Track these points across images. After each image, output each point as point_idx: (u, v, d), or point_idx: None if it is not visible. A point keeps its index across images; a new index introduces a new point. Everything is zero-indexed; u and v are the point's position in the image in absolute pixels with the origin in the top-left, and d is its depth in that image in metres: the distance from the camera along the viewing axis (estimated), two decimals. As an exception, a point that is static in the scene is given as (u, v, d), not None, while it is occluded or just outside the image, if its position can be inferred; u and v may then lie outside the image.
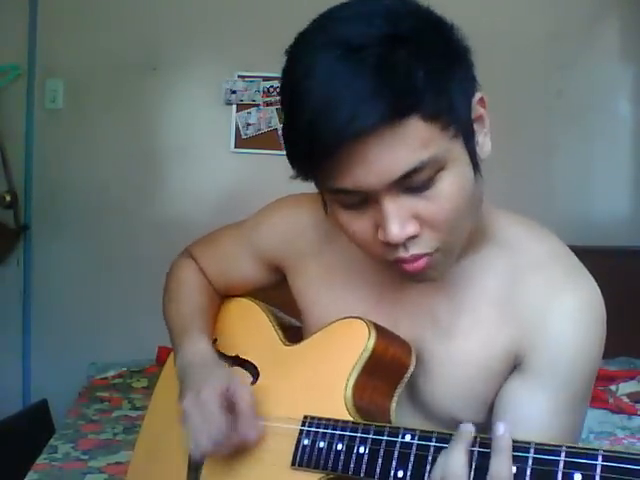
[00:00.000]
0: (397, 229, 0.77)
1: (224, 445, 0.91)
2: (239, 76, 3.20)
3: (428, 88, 0.73)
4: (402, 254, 0.80)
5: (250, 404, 0.92)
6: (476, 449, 0.73)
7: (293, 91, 0.77)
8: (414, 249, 0.80)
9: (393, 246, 0.79)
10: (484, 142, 0.84)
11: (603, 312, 0.88)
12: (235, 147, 3.23)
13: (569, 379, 0.86)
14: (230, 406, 0.92)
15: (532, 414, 0.85)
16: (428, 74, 0.73)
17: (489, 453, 0.72)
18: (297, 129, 0.76)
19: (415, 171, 0.75)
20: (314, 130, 0.73)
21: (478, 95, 0.82)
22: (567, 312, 0.86)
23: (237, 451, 0.94)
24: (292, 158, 0.81)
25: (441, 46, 0.77)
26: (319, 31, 0.78)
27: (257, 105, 3.20)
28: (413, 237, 0.79)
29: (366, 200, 0.78)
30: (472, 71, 0.81)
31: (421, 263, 0.81)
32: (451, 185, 0.77)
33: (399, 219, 0.77)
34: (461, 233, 0.83)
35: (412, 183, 0.76)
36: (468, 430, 0.74)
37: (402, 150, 0.74)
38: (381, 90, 0.71)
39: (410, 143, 0.74)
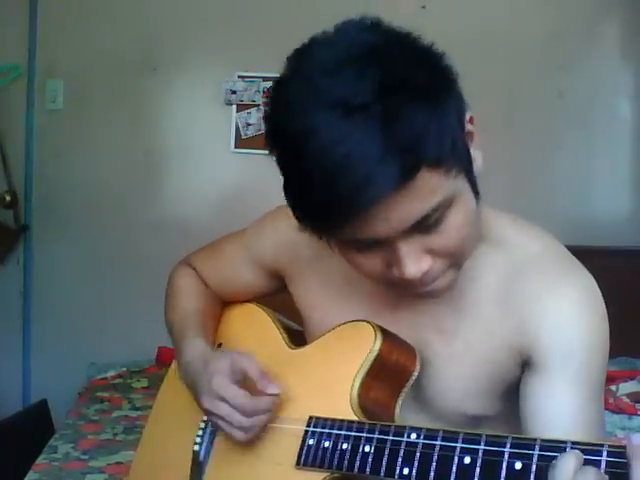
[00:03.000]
0: (414, 268, 0.80)
1: (259, 414, 0.92)
2: (239, 76, 3.20)
3: (431, 132, 0.74)
4: (417, 284, 0.83)
5: (257, 367, 0.93)
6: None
7: (298, 150, 0.75)
8: (428, 278, 0.82)
9: (409, 280, 0.81)
10: (476, 157, 0.85)
11: (602, 302, 0.90)
12: (235, 147, 3.23)
13: (584, 369, 0.87)
14: (243, 379, 0.93)
15: (558, 409, 0.85)
16: (429, 115, 0.74)
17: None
18: (308, 192, 0.76)
19: (426, 217, 0.78)
20: (328, 195, 0.73)
21: (468, 115, 0.84)
22: (568, 304, 0.88)
23: (242, 451, 0.95)
24: (302, 217, 0.81)
25: (433, 80, 0.76)
26: (308, 86, 0.75)
27: (257, 105, 3.20)
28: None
29: (377, 243, 0.80)
30: (461, 94, 0.81)
31: (434, 285, 0.84)
32: (458, 218, 0.80)
33: (414, 258, 0.80)
34: (468, 251, 0.86)
35: (423, 226, 0.78)
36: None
37: (414, 202, 0.76)
38: (391, 149, 0.72)
39: (421, 194, 0.76)
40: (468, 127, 0.84)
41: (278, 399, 0.93)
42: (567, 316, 0.88)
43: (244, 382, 0.94)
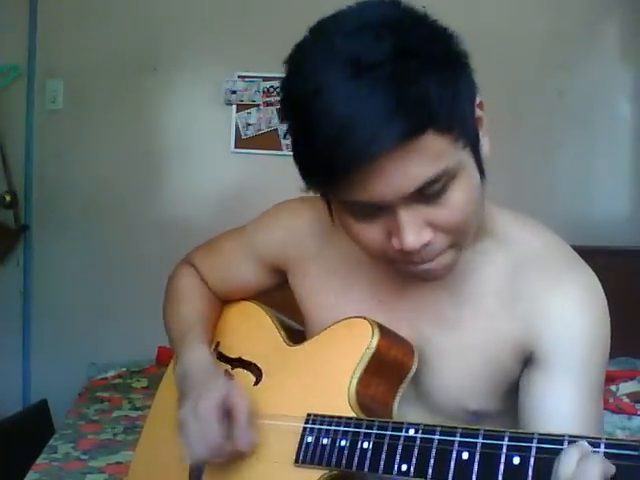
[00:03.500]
0: (413, 238, 0.79)
1: (219, 455, 0.92)
2: (239, 76, 3.20)
3: (441, 100, 0.74)
4: (416, 259, 0.82)
5: (246, 415, 0.93)
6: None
7: (306, 109, 0.76)
8: (427, 253, 0.82)
9: (407, 252, 0.81)
10: (483, 143, 0.86)
11: (604, 298, 0.90)
12: (235, 147, 3.23)
13: (585, 364, 0.87)
14: (228, 414, 0.93)
15: (558, 405, 0.85)
16: (440, 86, 0.74)
17: None
18: (314, 148, 0.76)
19: (430, 183, 0.77)
20: (333, 150, 0.74)
21: (478, 99, 0.84)
22: (570, 299, 0.88)
23: (234, 455, 0.94)
24: (307, 174, 0.81)
25: (447, 55, 0.78)
26: (324, 45, 0.77)
27: (257, 105, 3.20)
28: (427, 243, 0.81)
29: (379, 209, 0.80)
30: (473, 77, 0.82)
31: (433, 264, 0.83)
32: (462, 192, 0.80)
33: (414, 228, 0.79)
34: (470, 232, 0.86)
35: (426, 193, 0.78)
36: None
37: (418, 165, 0.76)
38: (398, 108, 0.72)
39: (425, 157, 0.76)
40: (478, 112, 0.84)
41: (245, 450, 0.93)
42: (569, 313, 0.88)
43: (228, 416, 0.93)
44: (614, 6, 3.30)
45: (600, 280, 0.92)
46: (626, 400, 2.46)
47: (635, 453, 0.65)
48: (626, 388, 2.53)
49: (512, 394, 0.91)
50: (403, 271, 0.87)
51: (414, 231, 0.79)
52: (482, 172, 0.84)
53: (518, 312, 0.90)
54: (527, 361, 0.90)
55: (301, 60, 0.79)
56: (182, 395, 0.98)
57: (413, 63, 0.74)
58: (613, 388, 2.51)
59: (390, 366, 0.91)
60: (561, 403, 0.85)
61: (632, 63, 3.27)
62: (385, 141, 0.72)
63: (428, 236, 0.80)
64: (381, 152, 0.73)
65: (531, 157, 3.22)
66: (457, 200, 0.80)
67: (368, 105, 0.72)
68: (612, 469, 0.64)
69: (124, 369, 2.87)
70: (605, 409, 2.40)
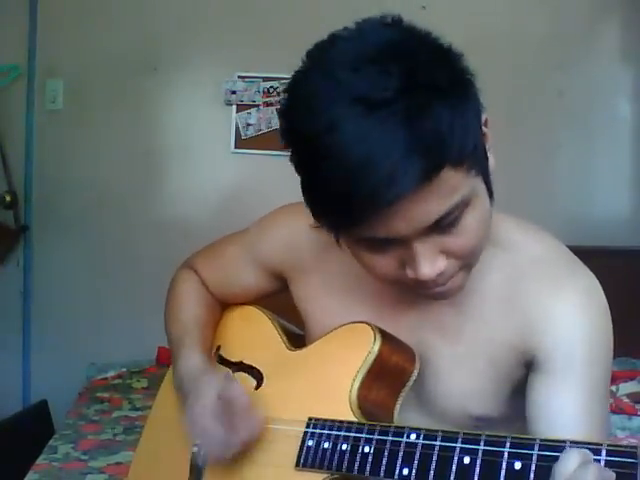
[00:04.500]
0: (429, 268, 0.79)
1: (226, 452, 0.93)
2: (239, 76, 3.20)
3: (454, 133, 0.73)
4: (430, 285, 0.82)
5: (244, 402, 0.93)
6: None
7: (317, 147, 0.74)
8: (442, 278, 0.82)
9: (422, 281, 0.81)
10: (489, 159, 0.85)
11: (605, 303, 0.90)
12: (235, 147, 3.22)
13: (587, 367, 0.87)
14: (227, 408, 0.92)
15: (561, 409, 0.85)
16: (451, 116, 0.73)
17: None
18: (328, 189, 0.75)
19: (445, 216, 0.77)
20: (350, 193, 0.73)
21: (484, 117, 0.83)
22: (570, 304, 0.88)
23: (241, 454, 0.94)
24: (319, 213, 0.81)
25: (454, 79, 0.76)
26: (329, 81, 0.75)
27: (257, 105, 3.20)
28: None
29: (392, 242, 0.79)
30: (479, 96, 0.81)
31: (445, 287, 0.84)
32: (475, 218, 0.80)
33: (429, 259, 0.79)
34: (480, 252, 0.86)
35: (441, 225, 0.78)
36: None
37: (435, 201, 0.75)
38: (414, 146, 0.71)
39: (442, 193, 0.75)
40: (483, 129, 0.84)
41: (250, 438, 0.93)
42: (571, 317, 0.88)
43: (228, 408, 0.93)
44: (614, 6, 3.30)
45: (600, 280, 0.92)
46: (626, 400, 2.46)
47: (633, 461, 0.65)
48: (626, 388, 2.53)
49: (516, 399, 0.91)
50: (415, 295, 0.87)
51: (429, 261, 0.79)
52: (491, 194, 0.84)
53: (518, 317, 0.90)
54: (529, 365, 0.90)
55: (306, 94, 0.77)
56: (182, 403, 0.99)
57: (422, 95, 0.72)
58: (613, 388, 2.51)
59: (392, 371, 0.91)
60: (564, 406, 0.85)
61: (632, 63, 3.27)
62: (405, 183, 0.71)
63: (443, 264, 0.80)
64: (400, 196, 0.72)
65: (531, 157, 3.22)
66: (471, 227, 0.80)
67: (383, 144, 0.71)
68: (612, 476, 0.64)
69: (124, 369, 2.87)
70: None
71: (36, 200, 3.25)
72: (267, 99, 3.18)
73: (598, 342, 0.88)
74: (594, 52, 3.27)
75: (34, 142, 3.23)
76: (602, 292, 0.91)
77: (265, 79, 3.16)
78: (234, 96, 3.20)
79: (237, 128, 3.21)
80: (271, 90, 3.16)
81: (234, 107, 3.21)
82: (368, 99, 0.72)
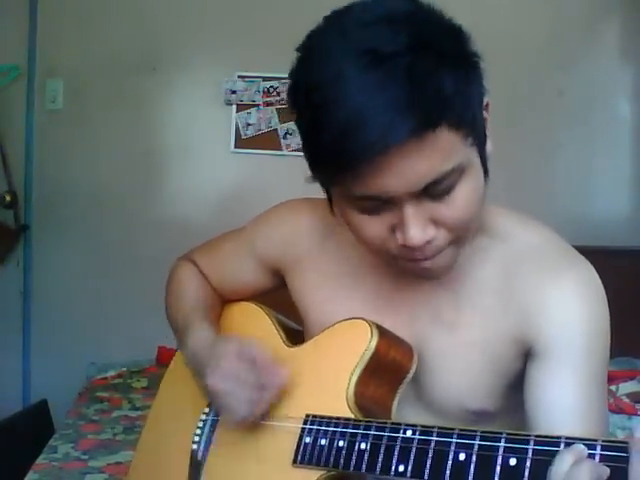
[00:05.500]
0: (418, 233, 0.79)
1: (256, 410, 0.92)
2: (239, 76, 3.20)
3: (455, 96, 0.74)
4: (417, 255, 0.82)
5: (267, 359, 0.93)
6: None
7: (318, 96, 0.76)
8: (429, 249, 0.82)
9: (410, 248, 0.81)
10: (487, 144, 0.86)
11: (602, 291, 0.90)
12: (235, 147, 3.23)
13: (585, 355, 0.87)
14: (250, 367, 0.93)
15: (560, 397, 0.85)
16: (455, 82, 0.74)
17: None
18: (324, 138, 0.76)
19: (439, 180, 0.77)
20: (345, 141, 0.73)
21: (485, 100, 0.84)
22: (567, 291, 0.88)
23: (239, 449, 0.95)
24: (315, 165, 0.81)
25: (461, 53, 0.78)
26: (339, 35, 0.77)
27: (257, 105, 3.20)
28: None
29: (384, 203, 0.79)
30: (483, 78, 0.82)
31: (433, 262, 0.83)
32: (468, 190, 0.80)
33: (420, 224, 0.79)
34: (471, 229, 0.86)
35: (434, 190, 0.78)
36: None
37: (429, 160, 0.75)
38: (413, 102, 0.72)
39: (437, 153, 0.75)
40: (484, 114, 0.84)
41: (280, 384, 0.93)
42: (567, 305, 0.88)
43: (251, 367, 0.93)
44: (614, 6, 3.30)
45: (600, 280, 0.91)
46: (626, 400, 2.46)
47: (627, 455, 0.65)
48: (626, 388, 2.53)
49: (514, 392, 0.91)
50: (402, 268, 0.87)
51: (419, 227, 0.79)
52: (486, 171, 0.85)
53: (516, 307, 0.90)
54: (527, 355, 0.90)
55: (315, 48, 0.79)
56: (198, 371, 0.98)
57: (429, 56, 0.74)
58: (613, 388, 2.51)
59: (389, 367, 0.91)
60: (562, 394, 0.85)
61: (632, 63, 3.27)
62: (398, 134, 0.72)
63: (432, 232, 0.80)
64: (394, 145, 0.72)
65: (531, 157, 3.22)
66: (463, 198, 0.80)
67: (383, 96, 0.72)
68: (606, 471, 0.65)
69: (124, 369, 2.86)
70: (605, 409, 2.39)
71: (36, 200, 3.25)
72: (267, 99, 3.19)
73: (596, 331, 0.88)
74: (594, 52, 3.27)
75: (34, 142, 3.23)
76: (600, 282, 0.91)
77: (265, 79, 3.16)
78: (234, 96, 3.20)
79: (237, 128, 3.21)
80: (271, 90, 3.17)
81: (234, 107, 3.21)
82: (375, 52, 0.73)
